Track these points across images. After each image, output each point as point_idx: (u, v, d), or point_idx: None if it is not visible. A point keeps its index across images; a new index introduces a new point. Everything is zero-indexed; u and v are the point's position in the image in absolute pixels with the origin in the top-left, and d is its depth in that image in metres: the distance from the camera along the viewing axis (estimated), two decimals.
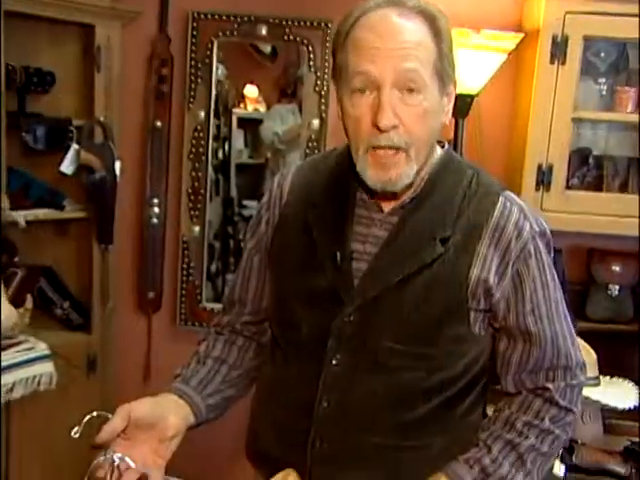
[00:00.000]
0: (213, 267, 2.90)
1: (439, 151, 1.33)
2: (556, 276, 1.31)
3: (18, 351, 2.43)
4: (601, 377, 2.21)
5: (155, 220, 2.81)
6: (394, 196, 1.27)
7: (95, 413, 1.25)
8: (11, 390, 2.38)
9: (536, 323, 1.28)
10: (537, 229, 1.28)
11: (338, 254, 1.27)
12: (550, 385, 1.30)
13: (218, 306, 2.27)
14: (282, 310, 1.37)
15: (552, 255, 1.31)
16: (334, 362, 1.27)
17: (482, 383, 1.34)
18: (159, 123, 2.77)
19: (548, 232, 1.31)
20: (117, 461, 1.19)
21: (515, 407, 1.31)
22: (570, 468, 2.12)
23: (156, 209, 2.80)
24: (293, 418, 1.31)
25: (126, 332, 2.86)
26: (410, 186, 1.26)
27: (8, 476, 2.50)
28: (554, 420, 1.29)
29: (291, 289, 1.34)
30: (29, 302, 2.52)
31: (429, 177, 1.29)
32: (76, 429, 1.21)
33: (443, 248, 1.24)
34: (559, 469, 2.10)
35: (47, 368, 2.45)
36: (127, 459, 1.20)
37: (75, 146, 2.48)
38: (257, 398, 1.43)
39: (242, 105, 3.03)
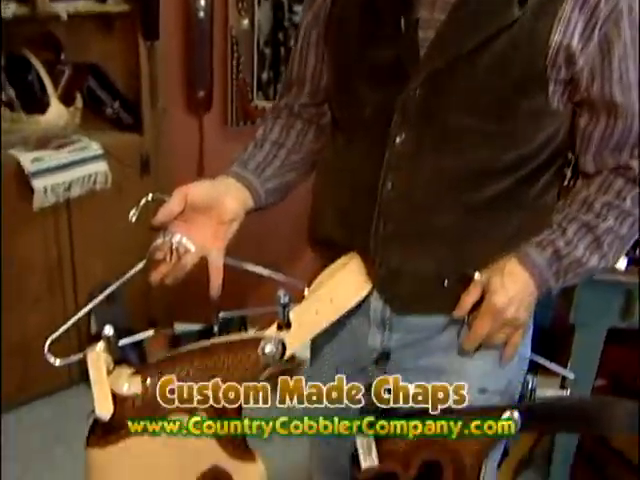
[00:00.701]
0: (264, 76, 2.78)
1: None
2: None
3: (71, 151, 2.42)
4: None
5: (202, 14, 2.66)
6: None
7: (150, 196, 1.22)
8: (68, 189, 2.39)
9: (623, 93, 1.14)
10: None
11: (402, 20, 1.15)
12: (634, 163, 1.19)
13: (270, 105, 2.17)
14: (343, 88, 1.26)
15: None
16: (398, 140, 1.17)
17: (558, 163, 1.24)
18: None
19: None
20: (175, 244, 1.17)
21: (594, 188, 1.22)
22: (631, 261, 2.06)
23: (202, 1, 2.64)
24: (356, 201, 1.25)
25: (177, 133, 2.81)
26: None
27: (75, 271, 2.58)
28: (636, 201, 1.20)
29: (352, 64, 1.22)
30: (79, 101, 2.47)
31: None
32: (133, 212, 1.19)
33: (521, 11, 1.09)
34: (621, 262, 2.05)
35: (101, 167, 2.45)
36: (185, 240, 1.17)
37: None
38: (319, 182, 1.37)
39: None
